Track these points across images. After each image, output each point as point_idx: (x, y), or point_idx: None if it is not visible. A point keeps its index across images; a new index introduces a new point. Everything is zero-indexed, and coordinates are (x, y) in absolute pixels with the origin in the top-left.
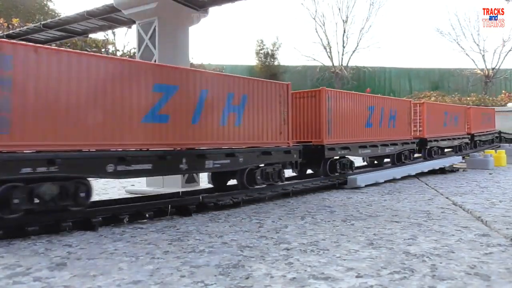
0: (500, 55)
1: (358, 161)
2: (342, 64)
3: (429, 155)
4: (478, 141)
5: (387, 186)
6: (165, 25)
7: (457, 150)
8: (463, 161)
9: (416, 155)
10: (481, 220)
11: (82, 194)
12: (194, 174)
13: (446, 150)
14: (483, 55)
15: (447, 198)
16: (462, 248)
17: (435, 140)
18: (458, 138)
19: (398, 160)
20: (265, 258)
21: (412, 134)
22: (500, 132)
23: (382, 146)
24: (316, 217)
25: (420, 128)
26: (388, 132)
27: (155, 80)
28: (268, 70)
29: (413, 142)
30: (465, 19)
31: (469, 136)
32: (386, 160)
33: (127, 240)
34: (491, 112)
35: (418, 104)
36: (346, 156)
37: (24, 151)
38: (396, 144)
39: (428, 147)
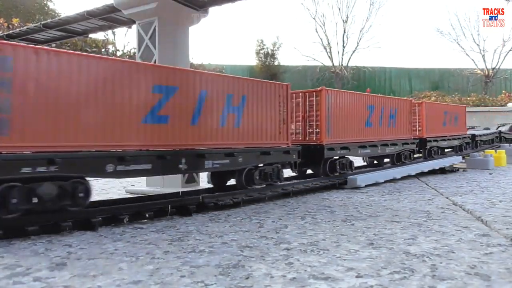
0: (500, 55)
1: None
2: (342, 64)
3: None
4: (435, 148)
5: (387, 186)
6: (165, 25)
7: (393, 160)
8: (463, 161)
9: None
10: (481, 220)
11: None
12: (194, 174)
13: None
14: (483, 55)
15: (447, 198)
16: (462, 248)
17: (338, 148)
18: (393, 144)
19: None
20: (265, 258)
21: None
22: (474, 136)
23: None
24: (316, 217)
25: (318, 130)
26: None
27: None
28: (268, 70)
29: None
30: (465, 19)
31: (418, 141)
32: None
33: (127, 240)
34: (460, 110)
35: (304, 94)
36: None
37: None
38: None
39: (326, 156)
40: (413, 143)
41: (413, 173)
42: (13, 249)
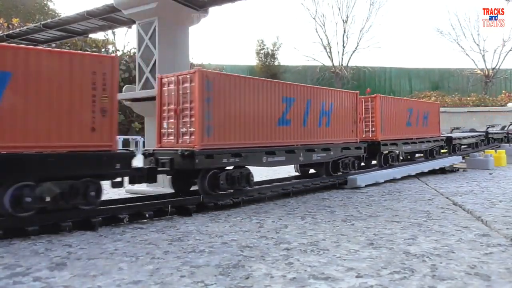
0: (500, 55)
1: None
2: (342, 64)
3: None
4: (394, 154)
5: (387, 186)
6: (165, 25)
7: (328, 170)
8: (463, 161)
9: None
10: (481, 220)
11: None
12: None
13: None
14: (483, 55)
15: (447, 198)
16: (462, 248)
17: (226, 156)
18: (325, 150)
19: None
20: (265, 258)
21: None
22: (451, 140)
23: None
24: (316, 217)
25: (193, 129)
26: None
27: None
28: (268, 70)
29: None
30: (465, 19)
31: (367, 145)
32: None
33: (127, 240)
34: (432, 108)
35: (178, 79)
36: None
37: None
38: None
39: (201, 167)
40: (359, 147)
41: (413, 173)
42: (13, 249)
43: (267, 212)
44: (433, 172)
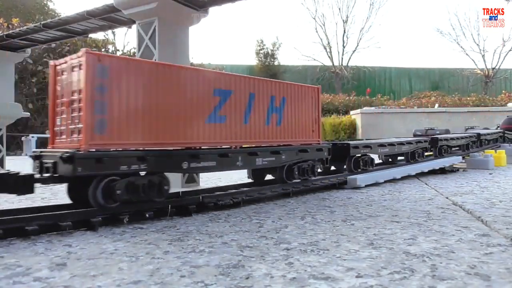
0: (500, 55)
1: None
2: (342, 64)
3: None
4: (142, 181)
5: (387, 186)
6: (165, 25)
7: None
8: (463, 161)
9: None
10: (481, 220)
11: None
12: (194, 174)
13: None
14: (483, 55)
15: (447, 198)
16: (462, 248)
17: None
18: None
19: None
20: (265, 258)
21: None
22: (345, 149)
23: None
24: (316, 217)
25: None
26: None
27: None
28: (268, 70)
29: None
30: (465, 19)
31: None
32: None
33: (127, 240)
34: (299, 93)
35: None
36: None
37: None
38: None
39: None
40: None
41: (413, 173)
42: (13, 249)
43: (267, 212)
44: (433, 172)
